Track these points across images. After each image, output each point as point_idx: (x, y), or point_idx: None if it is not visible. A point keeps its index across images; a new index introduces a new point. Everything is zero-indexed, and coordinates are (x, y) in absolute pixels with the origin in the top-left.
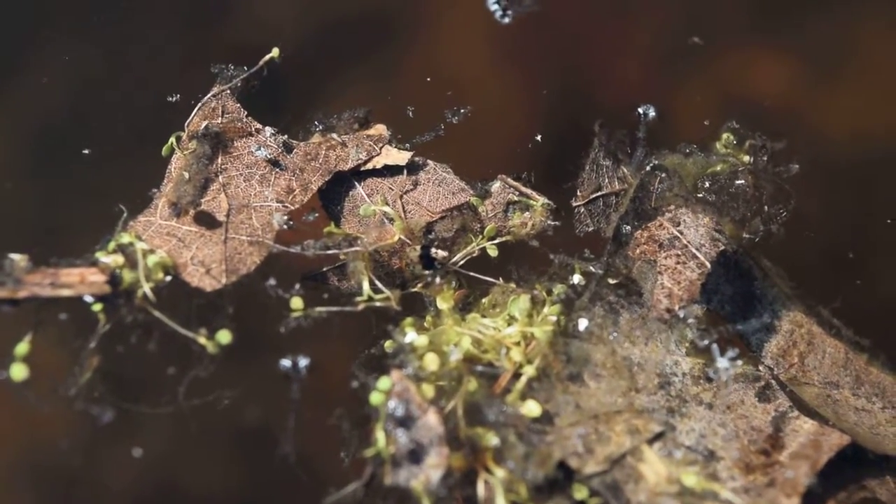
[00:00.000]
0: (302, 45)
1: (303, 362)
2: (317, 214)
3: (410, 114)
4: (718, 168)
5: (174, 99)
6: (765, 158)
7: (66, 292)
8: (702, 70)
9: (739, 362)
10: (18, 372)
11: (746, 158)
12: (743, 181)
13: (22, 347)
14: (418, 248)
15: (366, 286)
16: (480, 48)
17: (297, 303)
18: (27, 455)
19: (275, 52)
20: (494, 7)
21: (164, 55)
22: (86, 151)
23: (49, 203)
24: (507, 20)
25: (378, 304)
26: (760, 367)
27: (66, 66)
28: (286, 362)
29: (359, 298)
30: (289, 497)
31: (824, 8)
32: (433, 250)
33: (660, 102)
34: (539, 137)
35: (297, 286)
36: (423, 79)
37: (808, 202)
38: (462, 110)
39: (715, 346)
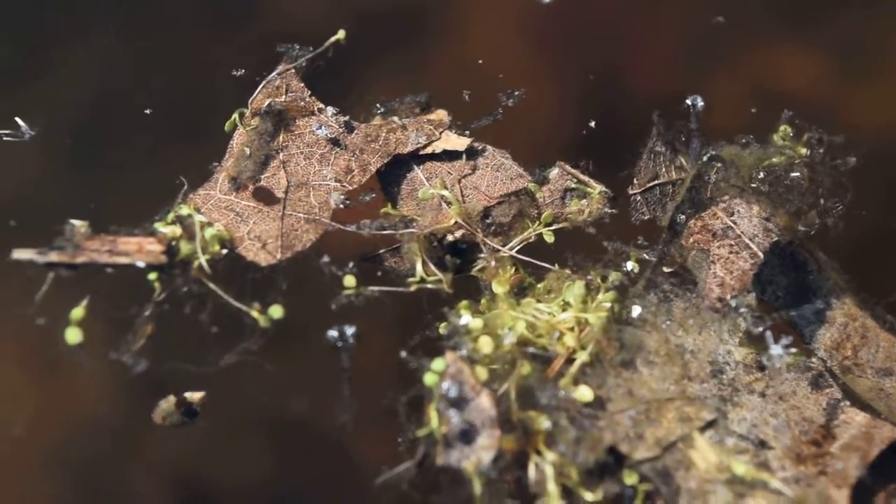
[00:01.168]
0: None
1: (349, 331)
2: (374, 195)
3: (467, 97)
4: (775, 160)
5: (239, 73)
6: (821, 151)
7: (123, 260)
8: (733, 61)
9: (793, 350)
10: (73, 336)
11: (803, 151)
12: (799, 174)
13: (77, 312)
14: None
15: (419, 268)
16: (514, 35)
17: (350, 280)
18: (65, 439)
19: (341, 33)
20: None
21: (231, 32)
22: (147, 111)
23: (110, 171)
24: (547, 0)
25: (430, 286)
26: (813, 359)
27: (131, 35)
28: (333, 332)
29: (411, 280)
30: (342, 475)
31: (855, 2)
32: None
33: (694, 92)
34: (593, 124)
35: (351, 265)
36: (460, 66)
37: (864, 196)
38: (517, 93)
39: (769, 333)
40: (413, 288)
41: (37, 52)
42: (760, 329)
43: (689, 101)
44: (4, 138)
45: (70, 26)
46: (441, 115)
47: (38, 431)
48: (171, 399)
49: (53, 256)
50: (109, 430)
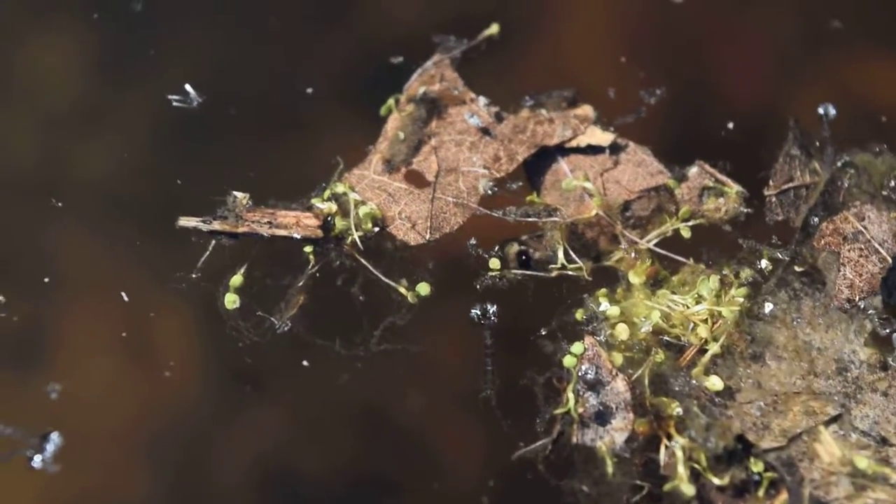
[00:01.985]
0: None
1: (492, 308)
2: (520, 184)
3: (612, 95)
4: None
5: (396, 61)
6: None
7: (281, 232)
8: (840, 67)
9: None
10: (231, 301)
11: None
12: None
13: (236, 279)
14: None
15: (560, 255)
16: (643, 32)
17: (495, 263)
18: (153, 428)
19: (494, 27)
20: None
21: (389, 24)
22: (309, 90)
23: (269, 146)
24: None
25: (570, 273)
26: None
27: (296, 19)
28: (475, 311)
29: (552, 266)
30: (492, 444)
31: None
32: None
33: (802, 101)
34: (731, 125)
35: (497, 248)
36: (602, 64)
37: None
38: (658, 91)
39: (895, 336)
40: (554, 274)
41: (205, 23)
42: (887, 331)
43: (821, 110)
44: (174, 104)
45: (240, 6)
46: (587, 110)
47: (140, 417)
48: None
49: (217, 225)
50: (205, 412)
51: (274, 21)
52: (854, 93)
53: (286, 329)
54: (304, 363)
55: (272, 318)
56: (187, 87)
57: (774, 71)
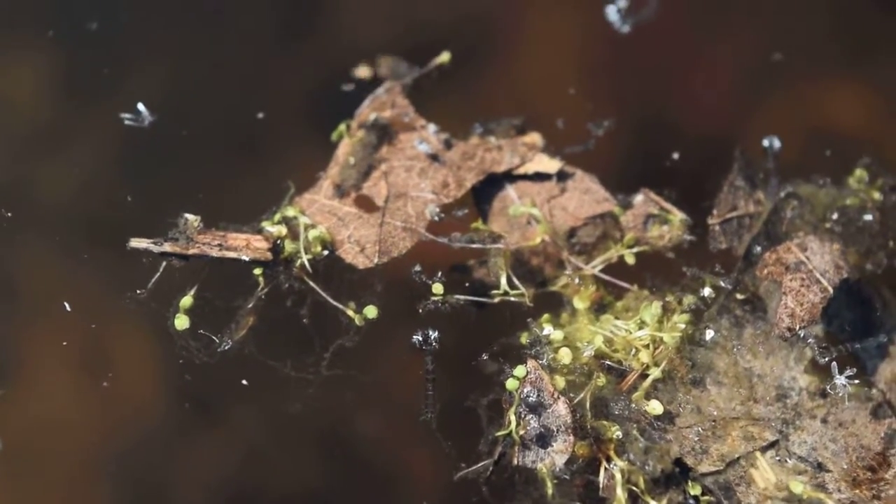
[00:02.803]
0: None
1: (433, 334)
2: (466, 211)
3: (560, 125)
4: (849, 202)
5: (348, 88)
6: (894, 198)
7: (231, 254)
8: (790, 95)
9: (856, 382)
10: (181, 322)
11: (877, 196)
12: (871, 217)
13: (186, 300)
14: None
15: (503, 281)
16: (593, 63)
17: (438, 288)
18: (113, 448)
19: (445, 56)
20: (614, 17)
21: (339, 51)
22: (260, 115)
23: (220, 168)
24: (626, 29)
25: (513, 299)
26: (874, 390)
27: (250, 46)
28: (417, 336)
29: (495, 292)
30: (426, 469)
31: None
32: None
33: (766, 126)
34: (676, 155)
35: (440, 274)
36: (552, 93)
37: None
38: (605, 123)
39: (834, 364)
40: (496, 300)
41: (160, 43)
42: (826, 360)
43: (766, 143)
44: (126, 122)
45: (196, 28)
46: (535, 138)
47: (101, 436)
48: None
49: (168, 247)
50: (166, 432)
51: (229, 44)
52: (800, 125)
53: (233, 349)
54: (244, 382)
55: (217, 339)
56: (140, 106)
57: (721, 102)
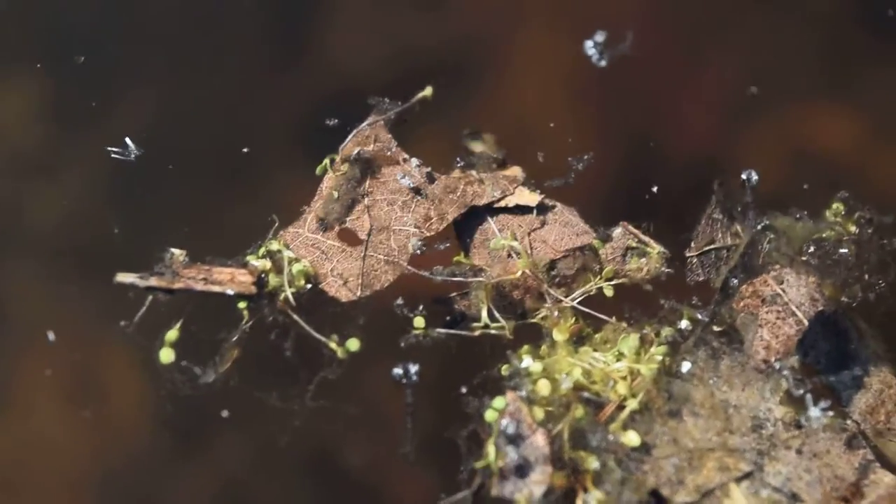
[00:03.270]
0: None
1: (413, 368)
2: (448, 245)
3: (541, 159)
4: (825, 234)
5: (332, 123)
6: (869, 231)
7: (216, 288)
8: (769, 125)
9: (830, 413)
10: (166, 356)
11: (853, 229)
12: (846, 250)
13: (171, 334)
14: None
15: (484, 315)
16: (572, 97)
17: (419, 322)
18: (99, 475)
19: (428, 90)
20: (591, 52)
21: (326, 84)
22: (245, 150)
23: (206, 202)
24: (603, 63)
25: (494, 331)
26: (849, 421)
27: (236, 79)
28: (398, 370)
29: (476, 325)
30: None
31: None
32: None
33: (745, 158)
34: (655, 189)
35: (421, 307)
36: (531, 126)
37: None
38: (585, 157)
39: (809, 395)
40: (477, 333)
41: (148, 76)
42: (801, 391)
43: (744, 176)
44: (113, 155)
45: (183, 62)
46: (516, 171)
47: (96, 450)
48: None
49: (153, 281)
50: (158, 458)
51: (216, 78)
52: (784, 153)
53: (218, 381)
54: (224, 413)
55: (200, 372)
56: (127, 140)
57: (703, 133)
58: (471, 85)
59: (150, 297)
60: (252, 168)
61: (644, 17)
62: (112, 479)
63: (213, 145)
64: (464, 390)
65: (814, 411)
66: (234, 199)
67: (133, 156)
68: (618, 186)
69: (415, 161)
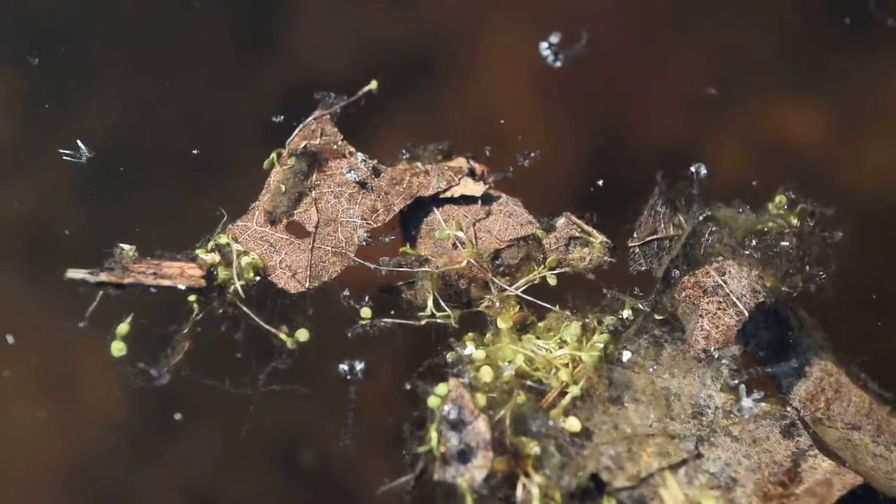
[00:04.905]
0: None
1: (359, 366)
2: (393, 237)
3: (488, 153)
4: (767, 227)
5: (278, 120)
6: (811, 224)
7: (166, 282)
8: (734, 120)
9: (763, 404)
10: (118, 349)
11: (795, 221)
12: (788, 243)
13: (122, 327)
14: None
15: (430, 304)
16: (531, 92)
17: (366, 312)
18: (69, 467)
19: (373, 84)
20: (546, 52)
21: (268, 83)
22: (195, 152)
23: (156, 200)
24: (558, 64)
25: (439, 320)
26: (788, 408)
27: (187, 79)
28: (343, 367)
29: (421, 314)
30: (344, 491)
31: (854, 63)
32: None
33: (697, 152)
34: (601, 182)
35: (367, 298)
36: (481, 119)
37: (848, 257)
38: (532, 154)
39: (743, 386)
40: (423, 322)
41: (97, 83)
42: (736, 381)
43: (693, 169)
44: (65, 157)
45: (136, 61)
46: (461, 162)
47: (61, 453)
48: None
49: (103, 276)
50: (126, 448)
51: (170, 75)
52: (740, 154)
53: (169, 373)
54: (177, 416)
55: (146, 366)
56: (78, 142)
57: (647, 131)
58: (419, 79)
59: (101, 293)
60: (201, 165)
61: (606, 14)
62: (78, 476)
63: (164, 144)
64: (410, 378)
65: (747, 401)
66: (184, 196)
67: (85, 158)
68: (563, 179)
69: (360, 155)
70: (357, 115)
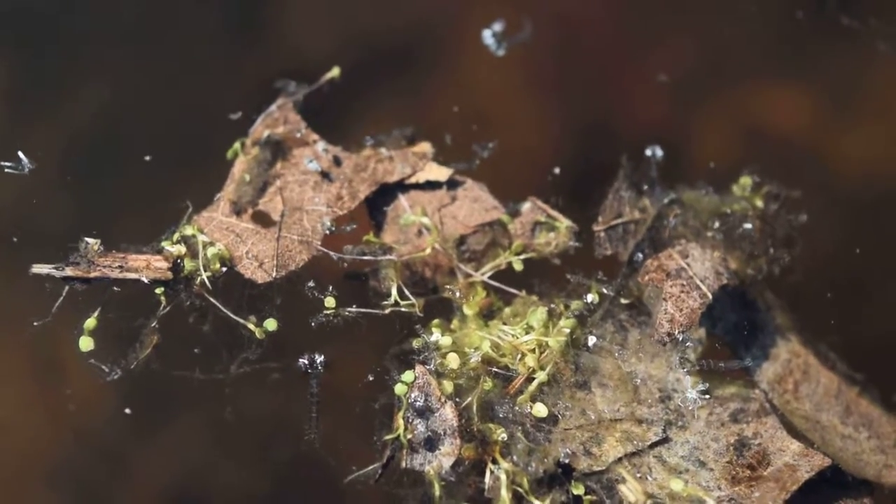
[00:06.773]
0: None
1: (319, 359)
2: (355, 226)
3: (448, 141)
4: (731, 209)
5: (236, 117)
6: (775, 206)
7: (132, 275)
8: (719, 105)
9: (707, 396)
10: (86, 344)
11: (759, 204)
12: (751, 225)
13: (90, 322)
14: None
15: (394, 292)
16: (500, 76)
17: (330, 302)
18: (54, 457)
19: (335, 71)
20: (490, 41)
21: (233, 70)
22: (147, 158)
23: (122, 194)
24: (501, 52)
25: (404, 309)
26: (756, 391)
27: (149, 68)
28: (303, 360)
29: (386, 303)
30: (315, 481)
31: (840, 48)
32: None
33: (677, 136)
34: (558, 170)
35: (331, 287)
36: (451, 110)
37: (818, 238)
38: (490, 144)
39: (687, 377)
40: (387, 311)
41: (59, 84)
42: (702, 363)
43: (648, 152)
44: (6, 170)
45: (93, 62)
46: (425, 147)
47: (42, 443)
48: None
49: (69, 271)
50: (106, 442)
51: (144, 60)
52: (726, 138)
53: (139, 366)
54: (127, 411)
55: (109, 367)
56: (20, 154)
57: (605, 115)
58: (381, 68)
59: (67, 288)
60: (163, 159)
61: (589, 1)
62: (64, 464)
63: (131, 139)
64: (378, 364)
65: (690, 394)
66: (146, 189)
67: (27, 170)
68: (525, 165)
69: (321, 144)
70: (321, 101)
